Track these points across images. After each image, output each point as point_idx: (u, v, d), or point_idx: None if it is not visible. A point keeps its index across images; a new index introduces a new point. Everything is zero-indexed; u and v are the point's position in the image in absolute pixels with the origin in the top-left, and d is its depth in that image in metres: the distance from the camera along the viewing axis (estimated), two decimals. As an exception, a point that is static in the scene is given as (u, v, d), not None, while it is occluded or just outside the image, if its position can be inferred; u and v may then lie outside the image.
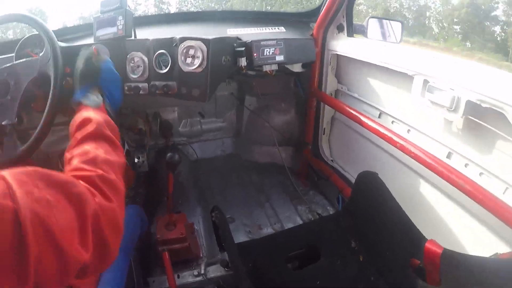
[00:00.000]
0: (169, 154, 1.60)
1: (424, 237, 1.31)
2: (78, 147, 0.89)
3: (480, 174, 1.25)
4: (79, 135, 0.93)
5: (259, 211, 2.21)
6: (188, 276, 1.55)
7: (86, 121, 0.97)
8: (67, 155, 0.89)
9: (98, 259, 0.69)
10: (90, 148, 0.88)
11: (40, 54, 1.32)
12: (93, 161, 0.83)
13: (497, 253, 1.09)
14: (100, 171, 0.79)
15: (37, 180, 0.60)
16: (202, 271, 1.55)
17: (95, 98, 1.11)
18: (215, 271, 1.57)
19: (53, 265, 0.57)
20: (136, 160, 2.01)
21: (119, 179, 0.85)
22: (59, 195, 0.62)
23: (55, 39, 1.27)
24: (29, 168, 0.62)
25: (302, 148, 2.42)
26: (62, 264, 0.59)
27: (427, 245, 1.18)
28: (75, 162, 0.83)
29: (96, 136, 0.93)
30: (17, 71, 1.31)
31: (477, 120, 1.22)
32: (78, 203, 0.65)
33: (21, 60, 1.35)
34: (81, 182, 0.71)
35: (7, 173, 0.57)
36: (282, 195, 2.35)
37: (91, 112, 1.01)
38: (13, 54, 1.48)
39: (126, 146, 1.98)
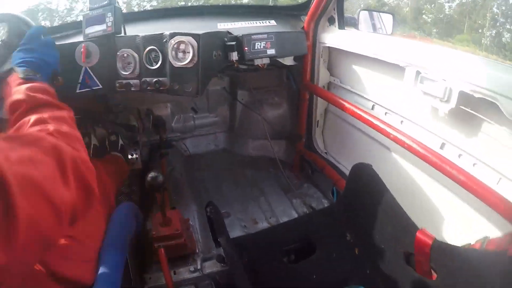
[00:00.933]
0: (150, 175, 1.35)
1: (418, 228, 1.31)
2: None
3: (474, 164, 1.26)
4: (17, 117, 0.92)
5: (254, 205, 2.21)
6: (184, 272, 1.54)
7: (15, 104, 0.95)
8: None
9: (84, 200, 0.75)
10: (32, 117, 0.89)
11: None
12: (40, 121, 0.85)
13: (487, 236, 1.10)
14: (52, 127, 0.82)
15: (11, 143, 0.63)
16: (198, 267, 1.55)
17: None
18: (211, 267, 1.57)
19: (46, 215, 0.61)
20: (129, 157, 1.99)
21: (74, 129, 0.91)
22: (35, 151, 0.65)
23: None
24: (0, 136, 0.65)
25: (295, 141, 2.42)
26: (54, 211, 0.63)
27: (418, 234, 1.19)
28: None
29: (31, 107, 0.93)
30: None
31: (469, 110, 1.22)
32: (55, 153, 0.69)
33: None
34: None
35: None
36: (277, 189, 2.35)
37: (15, 94, 0.99)
38: None
39: (121, 141, 1.97)
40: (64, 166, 0.69)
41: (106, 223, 1.22)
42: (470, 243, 1.12)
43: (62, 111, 0.97)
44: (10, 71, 1.11)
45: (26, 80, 1.04)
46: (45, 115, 0.88)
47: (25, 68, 1.07)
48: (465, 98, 1.20)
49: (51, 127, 0.81)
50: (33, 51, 1.12)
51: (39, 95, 0.96)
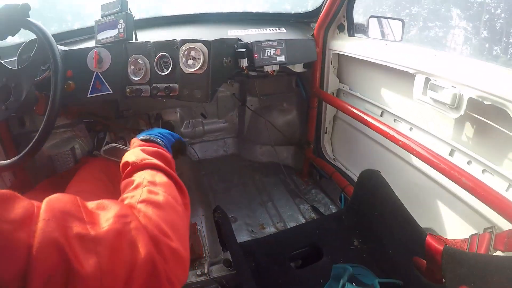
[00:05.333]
0: None
1: (427, 235, 1.31)
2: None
3: (483, 171, 1.25)
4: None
5: (261, 210, 2.22)
6: (191, 276, 1.55)
7: (124, 165, 0.90)
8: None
9: None
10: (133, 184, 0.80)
11: (31, 55, 1.33)
12: (130, 206, 0.71)
13: (494, 226, 1.09)
14: (138, 217, 0.67)
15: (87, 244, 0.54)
16: (205, 271, 1.56)
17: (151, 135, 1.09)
18: (218, 271, 1.57)
19: None
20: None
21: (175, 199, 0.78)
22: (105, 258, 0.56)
23: (54, 43, 1.27)
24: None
25: (304, 148, 2.43)
26: None
27: (429, 241, 1.18)
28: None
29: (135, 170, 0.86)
30: (17, 75, 1.31)
31: (479, 117, 1.22)
32: (126, 268, 0.58)
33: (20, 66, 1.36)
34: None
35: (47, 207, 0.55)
36: (285, 195, 2.35)
37: (129, 154, 0.94)
38: (15, 58, 1.50)
39: (129, 147, 1.99)
40: (131, 271, 0.57)
41: None
42: (478, 232, 1.11)
43: (168, 178, 0.85)
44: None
45: (145, 142, 1.03)
46: (144, 181, 0.78)
47: (146, 134, 1.10)
48: (474, 105, 1.20)
49: (139, 215, 0.67)
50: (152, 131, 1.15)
51: (151, 159, 0.89)
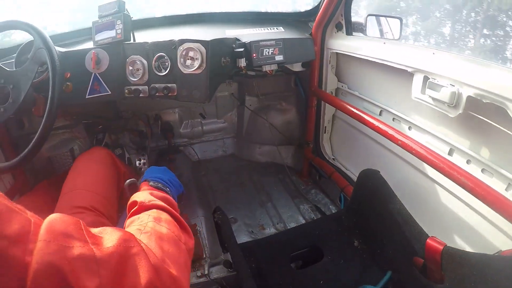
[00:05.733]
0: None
1: (427, 234, 1.30)
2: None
3: (482, 170, 1.25)
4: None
5: (261, 211, 2.21)
6: (191, 277, 1.54)
7: (132, 204, 0.93)
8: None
9: None
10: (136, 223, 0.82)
11: (28, 57, 1.32)
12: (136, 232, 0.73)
13: (500, 250, 1.09)
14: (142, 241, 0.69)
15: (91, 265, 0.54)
16: (206, 272, 1.55)
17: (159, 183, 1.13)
18: (218, 272, 1.57)
19: None
20: (137, 163, 2.01)
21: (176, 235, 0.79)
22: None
23: (52, 44, 1.27)
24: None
25: (303, 147, 2.42)
26: None
27: (429, 241, 1.18)
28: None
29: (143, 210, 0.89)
30: (15, 76, 1.31)
31: (478, 116, 1.21)
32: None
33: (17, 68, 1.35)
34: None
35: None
36: (285, 195, 2.35)
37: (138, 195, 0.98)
38: (13, 60, 1.49)
39: (127, 154, 1.99)
40: None
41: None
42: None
43: (173, 219, 0.87)
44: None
45: (155, 188, 1.07)
46: (150, 217, 0.81)
47: (157, 180, 1.13)
48: (473, 103, 1.20)
49: (141, 243, 0.67)
50: (163, 175, 1.18)
51: (157, 201, 0.92)
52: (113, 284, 0.55)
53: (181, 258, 0.73)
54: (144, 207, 0.89)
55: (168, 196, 1.01)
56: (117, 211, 1.42)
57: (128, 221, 0.86)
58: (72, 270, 0.51)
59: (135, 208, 0.89)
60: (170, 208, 0.91)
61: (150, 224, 0.76)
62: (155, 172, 1.19)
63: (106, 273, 0.55)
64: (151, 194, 0.97)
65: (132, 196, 0.98)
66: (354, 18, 1.90)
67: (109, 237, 0.62)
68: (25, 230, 0.50)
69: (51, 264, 0.49)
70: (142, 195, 0.95)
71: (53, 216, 0.57)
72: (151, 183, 1.11)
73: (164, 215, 0.85)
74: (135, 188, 1.18)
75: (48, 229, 0.53)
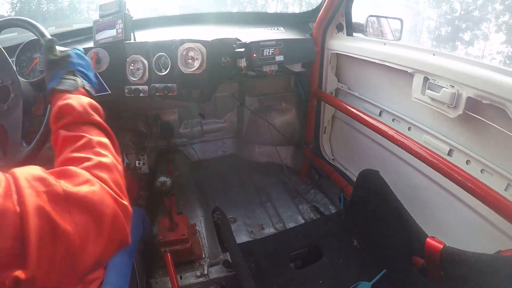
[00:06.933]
0: (160, 180, 1.40)
1: (426, 234, 1.30)
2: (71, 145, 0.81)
3: (482, 170, 1.25)
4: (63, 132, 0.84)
5: (260, 211, 2.22)
6: (190, 277, 1.55)
7: (67, 107, 0.88)
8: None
9: (114, 251, 0.70)
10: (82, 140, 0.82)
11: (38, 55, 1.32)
12: (86, 159, 0.77)
13: (499, 250, 1.09)
14: (97, 169, 0.74)
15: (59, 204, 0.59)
16: (205, 272, 1.55)
17: (72, 81, 0.99)
18: (217, 272, 1.57)
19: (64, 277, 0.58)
20: (137, 163, 2.01)
21: (116, 158, 0.83)
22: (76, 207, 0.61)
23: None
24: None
25: (303, 147, 2.42)
26: (75, 275, 0.60)
27: (428, 241, 1.18)
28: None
29: (83, 122, 0.87)
30: (12, 73, 1.31)
31: (478, 117, 1.22)
32: (96, 210, 0.65)
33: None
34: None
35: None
36: (284, 195, 2.35)
37: (70, 99, 0.91)
38: (14, 59, 1.49)
39: (126, 160, 1.99)
40: (101, 225, 0.64)
41: None
42: None
43: (108, 138, 0.89)
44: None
45: (86, 91, 1.00)
46: (94, 141, 0.81)
47: (87, 82, 1.05)
48: (473, 104, 1.20)
49: (97, 178, 0.71)
50: (87, 71, 1.10)
51: (95, 116, 0.90)
52: (85, 217, 0.62)
53: (123, 183, 0.78)
54: (84, 121, 0.87)
55: (96, 104, 0.95)
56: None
57: (67, 134, 0.83)
58: (53, 208, 0.56)
59: (72, 118, 0.86)
60: (104, 124, 0.91)
61: (97, 155, 0.78)
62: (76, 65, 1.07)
63: (77, 209, 0.61)
64: (89, 104, 0.92)
65: (63, 97, 0.92)
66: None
67: (74, 180, 0.67)
68: (7, 184, 0.55)
69: (39, 206, 0.54)
70: (79, 103, 0.89)
71: (18, 168, 0.61)
72: (83, 85, 1.01)
73: (103, 138, 0.86)
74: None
75: (26, 178, 0.57)
